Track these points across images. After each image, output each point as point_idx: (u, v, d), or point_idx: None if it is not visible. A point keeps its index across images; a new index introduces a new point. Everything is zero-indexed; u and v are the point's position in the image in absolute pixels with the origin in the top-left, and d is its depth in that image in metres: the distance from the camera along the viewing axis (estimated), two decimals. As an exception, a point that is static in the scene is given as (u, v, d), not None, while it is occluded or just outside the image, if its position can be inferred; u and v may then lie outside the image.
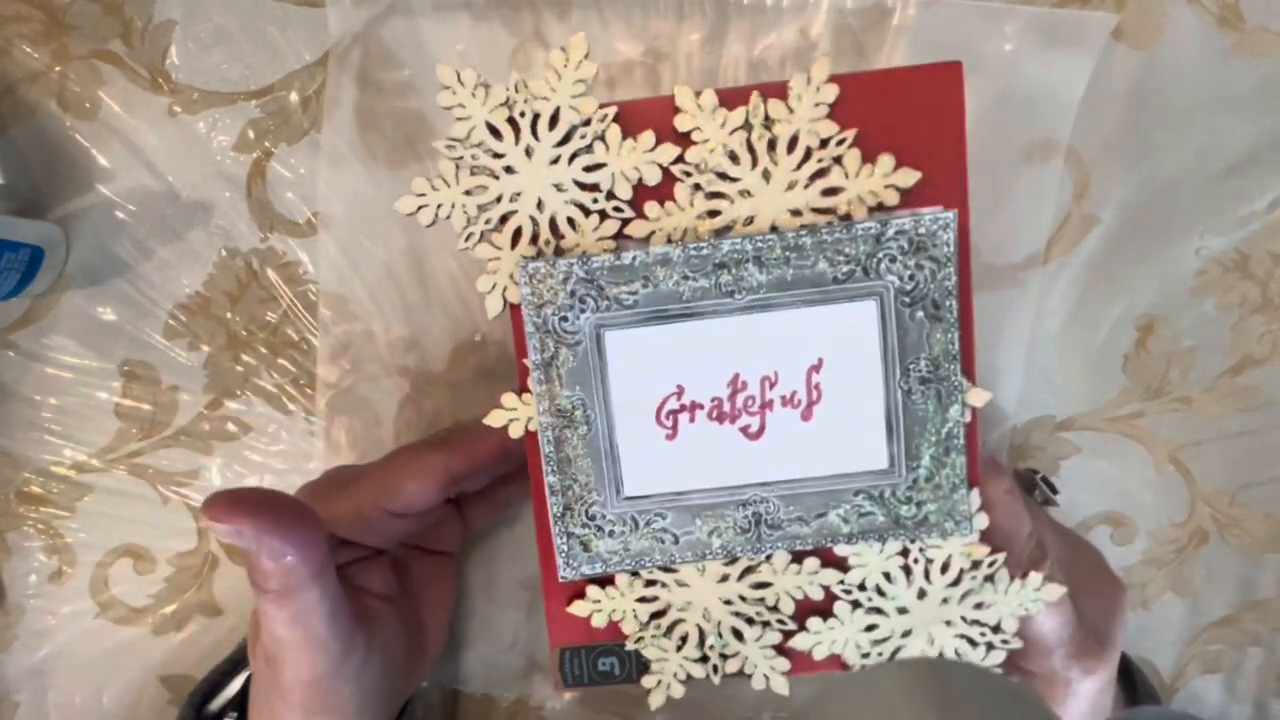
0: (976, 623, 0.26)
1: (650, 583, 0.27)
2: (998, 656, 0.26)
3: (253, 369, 0.37)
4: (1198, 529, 0.38)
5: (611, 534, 0.26)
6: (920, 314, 0.24)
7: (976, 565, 0.26)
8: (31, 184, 0.36)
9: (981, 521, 0.26)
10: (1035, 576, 0.26)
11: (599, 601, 0.27)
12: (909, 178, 0.24)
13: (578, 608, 0.27)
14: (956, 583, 0.26)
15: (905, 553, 0.26)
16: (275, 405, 0.37)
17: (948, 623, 0.26)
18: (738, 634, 0.27)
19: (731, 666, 0.27)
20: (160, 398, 0.37)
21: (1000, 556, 0.26)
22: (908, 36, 0.35)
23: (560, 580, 0.26)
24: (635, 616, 0.27)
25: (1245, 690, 0.39)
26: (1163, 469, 0.38)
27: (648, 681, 0.27)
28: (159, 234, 0.37)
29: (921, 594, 0.26)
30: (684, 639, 0.27)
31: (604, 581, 0.27)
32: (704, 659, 0.27)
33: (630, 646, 0.27)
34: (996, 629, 0.26)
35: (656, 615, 0.27)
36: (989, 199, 0.35)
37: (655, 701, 0.27)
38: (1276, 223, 0.36)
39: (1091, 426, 0.37)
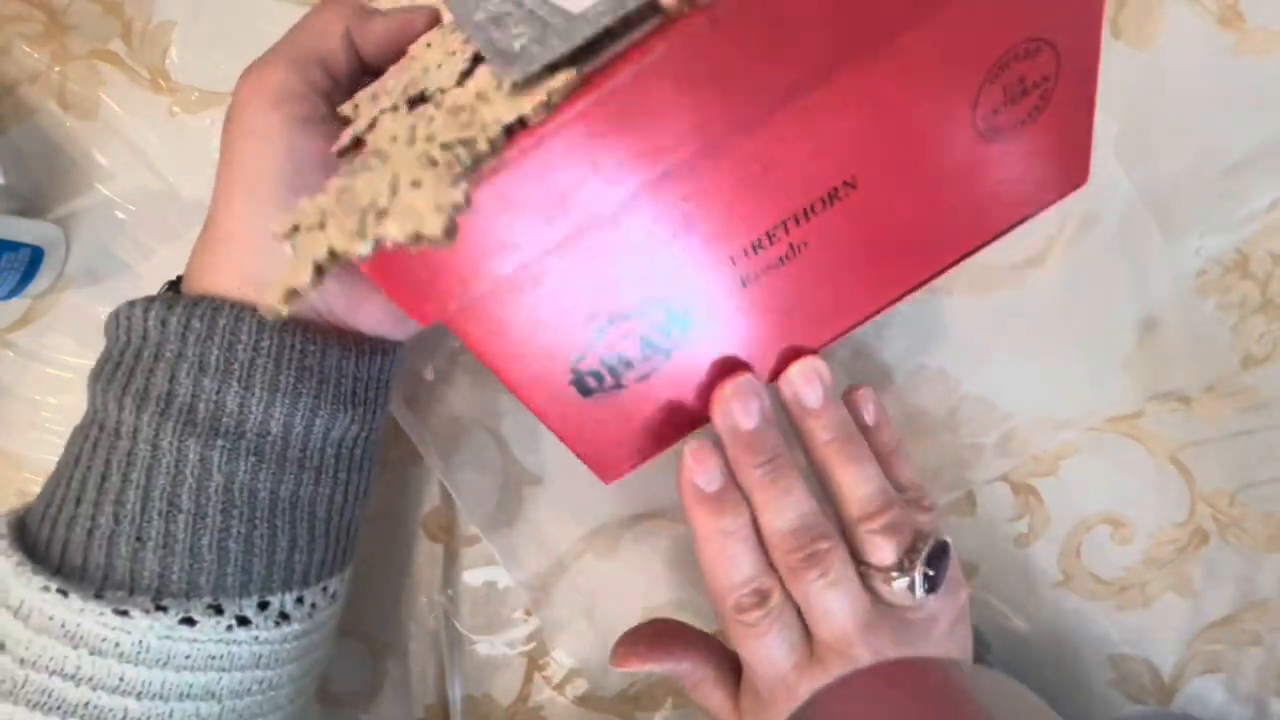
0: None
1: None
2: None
3: (253, 369, 0.37)
4: (1198, 529, 0.38)
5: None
6: None
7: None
8: (31, 184, 0.36)
9: None
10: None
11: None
12: None
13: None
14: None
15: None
16: (275, 405, 0.37)
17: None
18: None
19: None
20: (160, 398, 0.37)
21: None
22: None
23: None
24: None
25: (1245, 690, 0.39)
26: (1163, 469, 0.38)
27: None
28: (159, 234, 0.37)
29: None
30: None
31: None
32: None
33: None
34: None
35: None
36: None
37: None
38: (1276, 223, 0.36)
39: (1091, 426, 0.37)
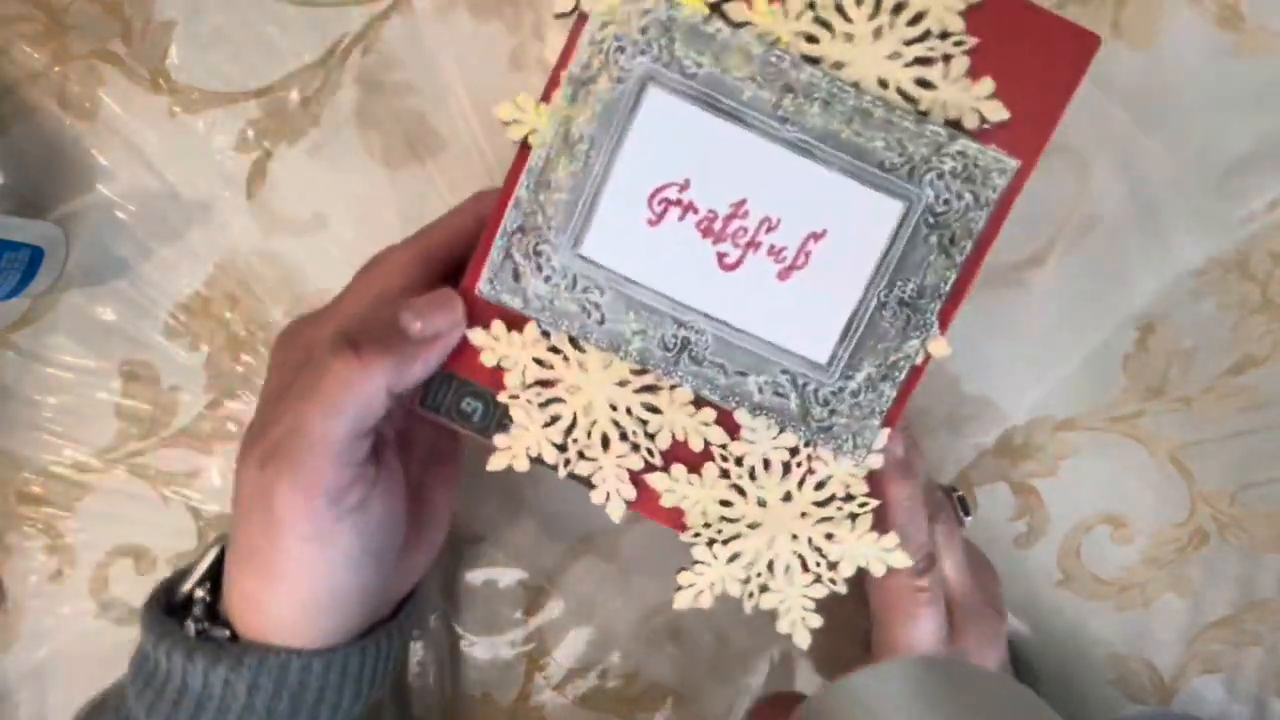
0: (819, 550, 0.26)
1: (554, 349, 0.25)
2: (818, 591, 0.26)
3: (253, 369, 0.37)
4: (1198, 529, 0.38)
5: (548, 279, 0.25)
6: (934, 239, 0.24)
7: (850, 499, 0.26)
8: (31, 184, 0.36)
9: (876, 461, 0.26)
10: (890, 538, 0.26)
11: (498, 339, 0.25)
12: (997, 112, 0.24)
13: (477, 335, 0.25)
14: (824, 504, 0.26)
15: (795, 451, 0.26)
16: (275, 405, 0.37)
17: (794, 536, 0.26)
18: (605, 441, 0.26)
19: (582, 469, 0.26)
20: (160, 398, 0.37)
21: (874, 503, 0.26)
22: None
23: (477, 293, 0.25)
24: (523, 373, 0.25)
25: (1245, 690, 0.39)
26: (1163, 469, 0.38)
27: (499, 440, 0.26)
28: (159, 234, 0.37)
29: (787, 497, 0.26)
30: (554, 419, 0.26)
31: (511, 325, 0.26)
32: (563, 447, 0.26)
33: (503, 399, 0.26)
34: (834, 566, 0.26)
35: (543, 384, 0.26)
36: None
37: (495, 464, 0.26)
38: (1276, 223, 0.36)
39: (1091, 426, 0.37)
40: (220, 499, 0.38)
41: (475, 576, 0.38)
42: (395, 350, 0.24)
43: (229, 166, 0.36)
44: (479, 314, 0.26)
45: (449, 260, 0.27)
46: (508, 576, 0.38)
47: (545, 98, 0.25)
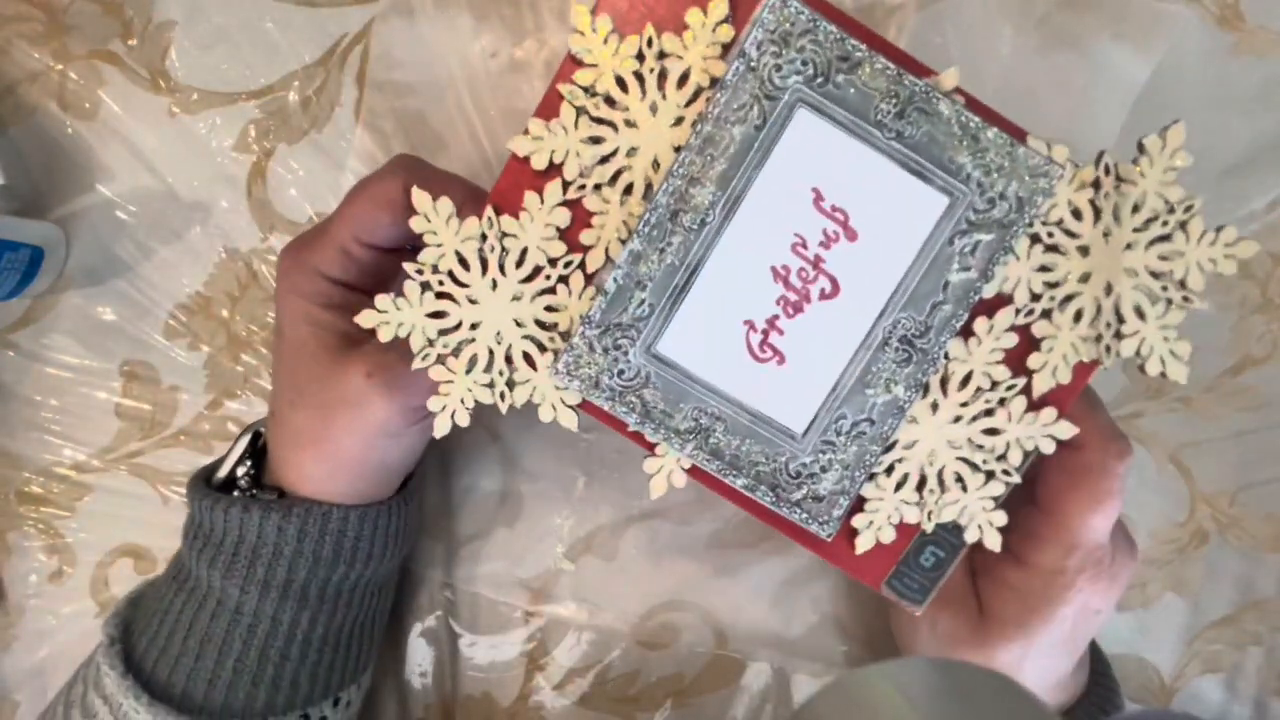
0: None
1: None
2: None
3: (253, 369, 0.37)
4: (1198, 529, 0.38)
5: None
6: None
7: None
8: (31, 184, 0.36)
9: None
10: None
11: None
12: None
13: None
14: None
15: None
16: (275, 405, 0.37)
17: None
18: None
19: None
20: (160, 398, 0.37)
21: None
22: (907, 37, 0.35)
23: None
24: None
25: (1245, 690, 0.39)
26: (1163, 469, 0.38)
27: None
28: (159, 234, 0.37)
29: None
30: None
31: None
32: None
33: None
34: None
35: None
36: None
37: (440, 429, 0.25)
38: (1276, 223, 0.36)
39: (1091, 426, 0.37)
40: (220, 499, 0.38)
41: (475, 576, 0.38)
42: None
43: (229, 166, 0.36)
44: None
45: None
46: (508, 576, 0.38)
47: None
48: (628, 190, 0.25)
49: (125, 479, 0.37)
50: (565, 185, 0.25)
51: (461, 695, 0.38)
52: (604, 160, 0.24)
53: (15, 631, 0.38)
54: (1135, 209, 0.25)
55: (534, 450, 0.37)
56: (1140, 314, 0.25)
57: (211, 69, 0.36)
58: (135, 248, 0.37)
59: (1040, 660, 0.28)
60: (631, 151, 0.24)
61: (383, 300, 0.25)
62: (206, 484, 0.31)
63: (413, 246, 0.27)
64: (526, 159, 0.25)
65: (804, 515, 0.25)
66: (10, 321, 0.37)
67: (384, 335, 0.25)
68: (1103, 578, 0.28)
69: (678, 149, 0.24)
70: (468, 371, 0.25)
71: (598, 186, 0.25)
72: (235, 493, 0.30)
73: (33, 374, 0.37)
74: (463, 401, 0.25)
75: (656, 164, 0.24)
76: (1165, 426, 0.37)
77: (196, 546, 0.29)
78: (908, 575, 0.26)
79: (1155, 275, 0.25)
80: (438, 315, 0.25)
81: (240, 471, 0.31)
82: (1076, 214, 0.25)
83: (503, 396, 0.25)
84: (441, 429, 0.25)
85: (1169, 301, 0.25)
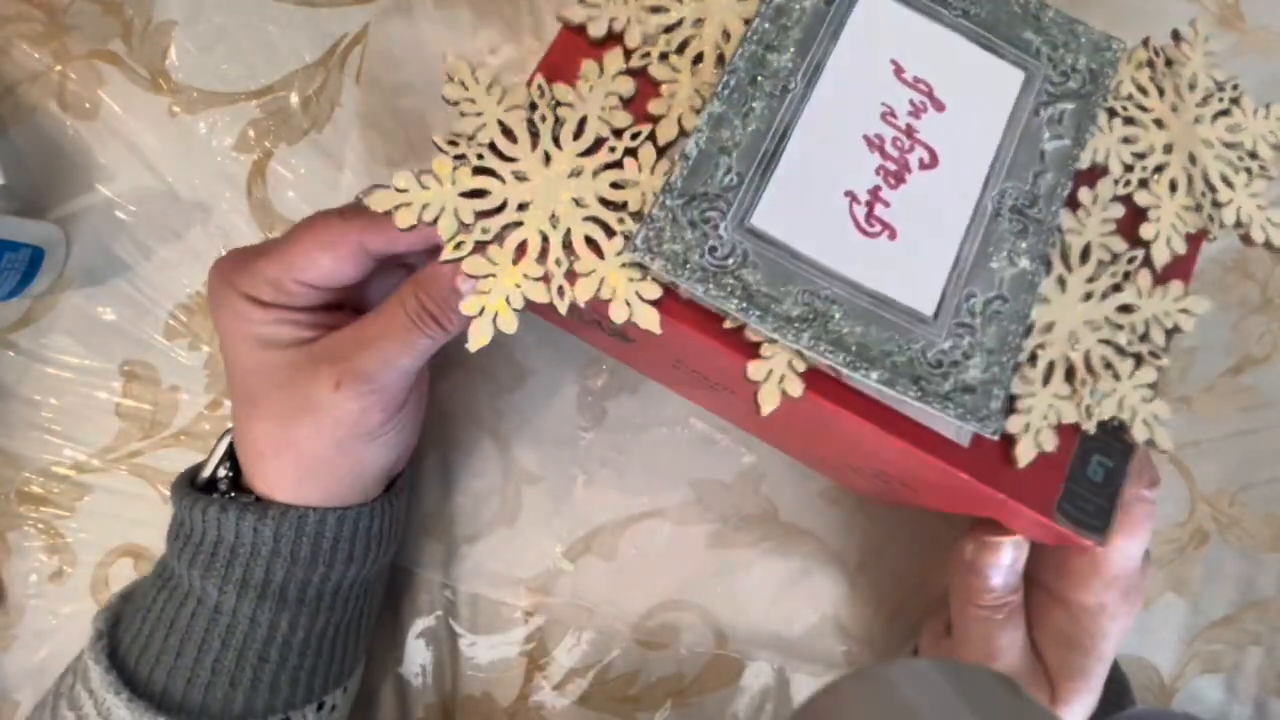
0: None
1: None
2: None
3: (253, 369, 0.37)
4: (1198, 529, 0.38)
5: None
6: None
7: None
8: (31, 184, 0.36)
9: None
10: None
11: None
12: None
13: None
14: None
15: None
16: (275, 405, 0.37)
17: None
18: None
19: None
20: (160, 398, 0.37)
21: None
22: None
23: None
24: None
25: (1245, 690, 0.39)
26: (1163, 469, 0.38)
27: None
28: (159, 234, 0.37)
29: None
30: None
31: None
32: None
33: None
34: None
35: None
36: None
37: (478, 338, 0.21)
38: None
39: (1091, 426, 0.37)
40: (220, 499, 0.38)
41: (475, 576, 0.38)
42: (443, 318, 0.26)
43: (229, 166, 0.36)
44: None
45: (384, 255, 0.27)
46: (508, 576, 0.38)
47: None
48: (698, 60, 0.22)
49: (125, 479, 0.37)
50: (627, 54, 0.22)
51: (461, 695, 0.38)
52: (669, 30, 0.23)
53: (15, 631, 0.38)
54: (1191, 87, 0.26)
55: (534, 450, 0.37)
56: (1228, 183, 0.26)
57: (211, 69, 0.36)
58: (135, 248, 0.37)
59: (1099, 690, 0.29)
60: (698, 22, 0.23)
61: (403, 177, 0.21)
62: (191, 484, 0.31)
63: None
64: (581, 29, 0.22)
65: (960, 410, 0.21)
66: (10, 321, 0.37)
67: (403, 219, 0.21)
68: (1136, 599, 0.28)
69: (746, 22, 0.23)
70: (515, 262, 0.21)
71: (664, 55, 0.22)
72: (216, 492, 0.30)
73: (33, 374, 0.37)
74: (508, 300, 0.21)
75: (726, 34, 0.23)
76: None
77: (178, 546, 0.30)
78: (1079, 495, 0.23)
79: (1229, 146, 0.26)
80: (476, 195, 0.21)
81: (221, 473, 0.31)
82: (1142, 90, 0.25)
83: (561, 292, 0.21)
84: (480, 338, 0.20)
85: (1249, 171, 0.26)
